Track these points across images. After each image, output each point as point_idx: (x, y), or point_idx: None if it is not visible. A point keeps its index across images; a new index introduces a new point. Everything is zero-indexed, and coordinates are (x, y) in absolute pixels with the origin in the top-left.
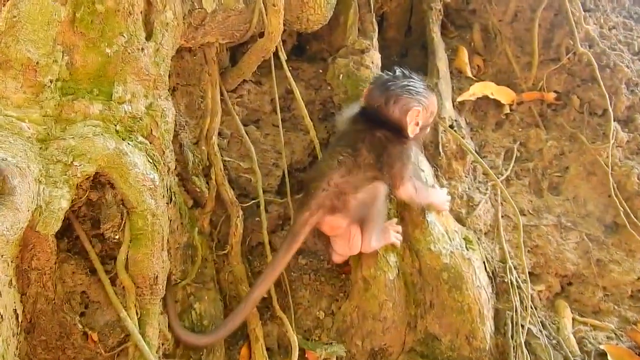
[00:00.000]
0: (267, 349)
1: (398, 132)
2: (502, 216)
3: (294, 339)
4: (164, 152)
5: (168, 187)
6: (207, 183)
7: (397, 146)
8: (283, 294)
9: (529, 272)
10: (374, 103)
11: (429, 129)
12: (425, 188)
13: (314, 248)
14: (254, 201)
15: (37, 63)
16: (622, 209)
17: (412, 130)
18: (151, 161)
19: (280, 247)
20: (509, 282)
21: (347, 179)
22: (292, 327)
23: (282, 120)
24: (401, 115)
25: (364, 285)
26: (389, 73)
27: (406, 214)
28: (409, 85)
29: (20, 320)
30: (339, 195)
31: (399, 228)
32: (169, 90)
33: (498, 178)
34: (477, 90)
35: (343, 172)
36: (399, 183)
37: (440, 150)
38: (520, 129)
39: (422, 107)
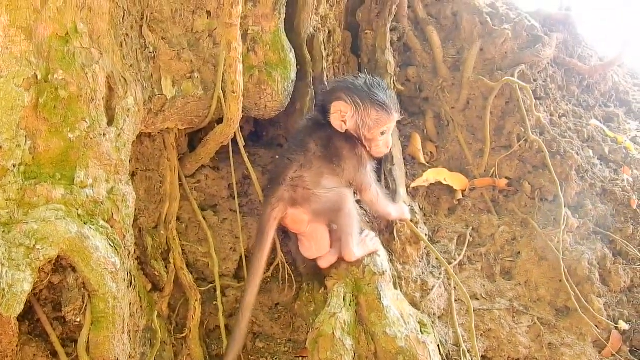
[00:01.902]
0: None
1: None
2: (455, 300)
3: None
4: (124, 236)
5: (128, 271)
6: (166, 267)
7: (347, 145)
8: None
9: (482, 356)
10: (320, 97)
11: (376, 144)
12: (384, 199)
13: (270, 332)
14: (211, 285)
15: (1, 147)
16: (573, 293)
17: (333, 120)
18: (112, 245)
19: (253, 251)
20: None
21: (300, 174)
22: None
23: (239, 205)
24: (328, 103)
25: None
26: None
27: (362, 297)
28: (359, 87)
29: None
30: (296, 189)
31: (373, 234)
32: (129, 175)
33: (451, 263)
34: (431, 176)
35: (296, 167)
36: (364, 187)
37: (395, 235)
38: (472, 215)
39: (354, 106)
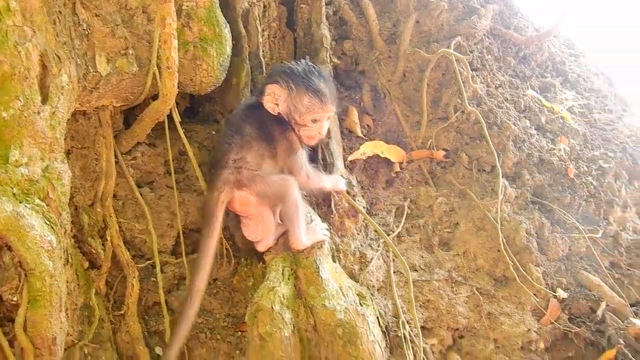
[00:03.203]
0: None
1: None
2: (394, 272)
3: None
4: (60, 214)
5: (65, 249)
6: (103, 244)
7: (278, 128)
8: (180, 353)
9: (421, 326)
10: (261, 81)
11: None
12: (317, 175)
13: (209, 307)
14: (149, 262)
15: None
16: (511, 262)
17: (266, 102)
18: (48, 223)
19: (203, 234)
20: (402, 336)
21: (242, 155)
22: None
23: (176, 181)
24: (264, 86)
25: (260, 342)
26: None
27: (300, 271)
28: (296, 72)
29: None
30: (240, 171)
31: (325, 225)
32: (64, 153)
33: (389, 235)
34: (368, 149)
35: (236, 150)
36: (294, 172)
37: (333, 209)
38: (410, 187)
39: (287, 90)
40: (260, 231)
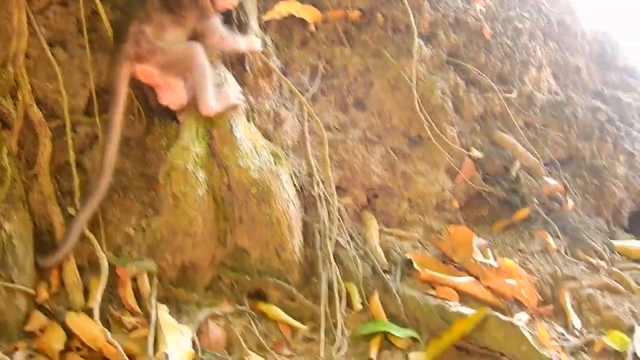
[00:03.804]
0: (79, 267)
1: None
2: (308, 132)
3: (103, 256)
4: None
5: None
6: (15, 104)
7: None
8: (93, 213)
9: (336, 186)
10: None
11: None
12: (231, 36)
13: (122, 167)
14: (61, 121)
15: None
16: (426, 122)
17: None
18: None
19: (108, 109)
20: (317, 195)
21: (140, 28)
22: (101, 245)
23: (88, 41)
24: None
25: (174, 202)
26: None
27: (214, 130)
28: None
29: None
30: (139, 44)
31: (239, 87)
32: None
33: (304, 95)
34: (282, 9)
35: (136, 23)
36: (208, 36)
37: (247, 68)
38: (325, 47)
39: None
40: (170, 98)
